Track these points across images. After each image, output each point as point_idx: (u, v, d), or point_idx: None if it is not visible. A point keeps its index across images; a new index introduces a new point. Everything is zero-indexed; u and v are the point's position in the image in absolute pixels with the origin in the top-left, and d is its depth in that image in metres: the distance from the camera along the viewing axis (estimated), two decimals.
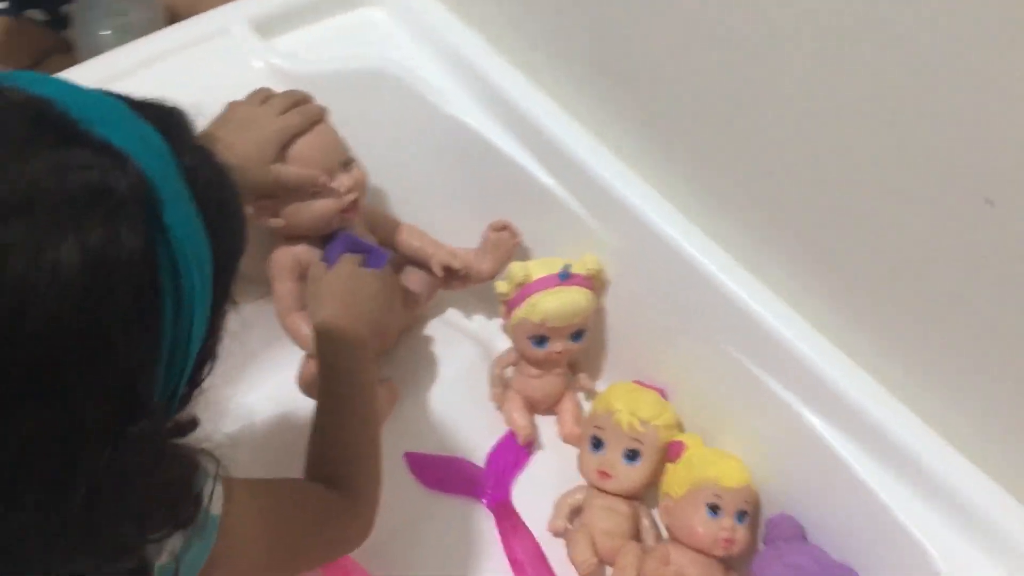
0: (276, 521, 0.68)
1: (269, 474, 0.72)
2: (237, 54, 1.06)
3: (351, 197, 0.98)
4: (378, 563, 0.94)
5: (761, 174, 0.89)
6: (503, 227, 1.09)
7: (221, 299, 0.55)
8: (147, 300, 0.47)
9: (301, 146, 0.96)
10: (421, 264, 1.11)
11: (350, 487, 0.76)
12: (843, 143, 0.79)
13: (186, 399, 0.55)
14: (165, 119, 0.53)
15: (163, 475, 0.52)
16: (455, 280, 1.11)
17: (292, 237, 1.02)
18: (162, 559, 0.57)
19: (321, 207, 0.98)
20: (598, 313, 1.09)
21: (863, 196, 0.80)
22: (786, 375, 0.92)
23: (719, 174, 0.94)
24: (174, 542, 0.57)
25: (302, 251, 1.01)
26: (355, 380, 0.85)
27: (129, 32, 1.32)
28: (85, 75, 0.97)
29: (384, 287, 0.96)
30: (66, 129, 0.46)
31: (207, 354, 0.55)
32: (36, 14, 1.50)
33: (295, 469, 0.79)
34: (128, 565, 0.52)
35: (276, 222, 0.99)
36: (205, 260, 0.51)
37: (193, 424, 0.57)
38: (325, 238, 1.01)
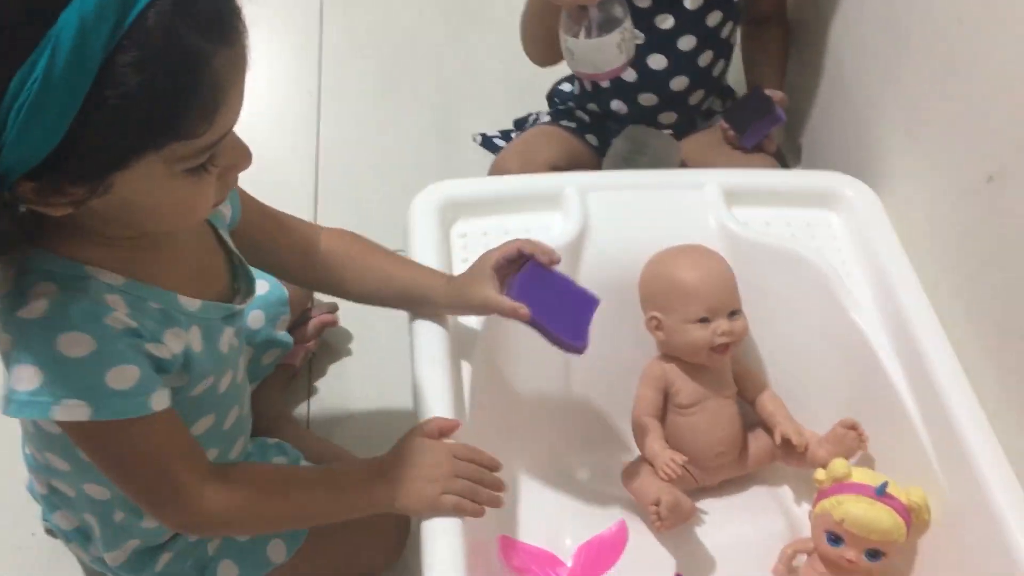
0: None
1: None
2: (700, 207, 1.26)
3: (722, 340, 1.14)
4: None
5: None
6: (852, 427, 1.16)
7: (141, 141, 0.67)
8: None
9: (698, 281, 1.14)
10: (767, 429, 1.22)
11: (225, 486, 0.90)
12: None
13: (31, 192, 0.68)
14: None
15: None
16: (791, 456, 1.20)
17: (668, 355, 1.20)
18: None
19: (693, 335, 1.15)
20: (906, 551, 1.09)
21: None
22: None
23: None
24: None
25: (669, 369, 1.19)
26: (348, 495, 0.97)
27: (647, 157, 1.42)
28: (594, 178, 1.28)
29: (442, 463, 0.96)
30: None
31: (68, 164, 0.66)
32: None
33: None
34: None
35: (659, 335, 1.18)
36: (82, 71, 0.60)
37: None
38: (686, 363, 1.18)
